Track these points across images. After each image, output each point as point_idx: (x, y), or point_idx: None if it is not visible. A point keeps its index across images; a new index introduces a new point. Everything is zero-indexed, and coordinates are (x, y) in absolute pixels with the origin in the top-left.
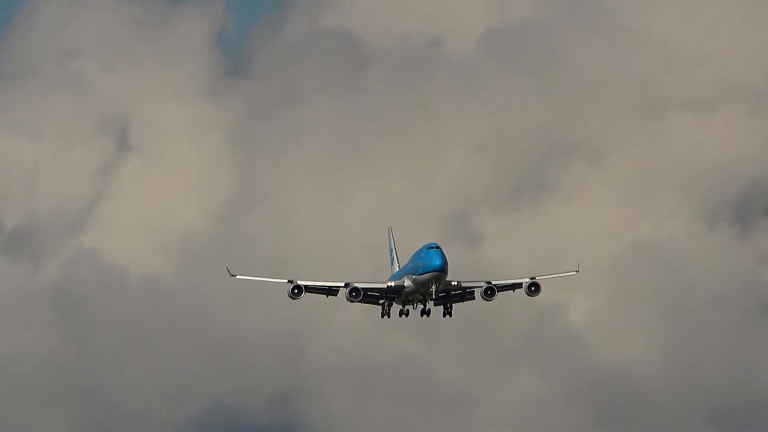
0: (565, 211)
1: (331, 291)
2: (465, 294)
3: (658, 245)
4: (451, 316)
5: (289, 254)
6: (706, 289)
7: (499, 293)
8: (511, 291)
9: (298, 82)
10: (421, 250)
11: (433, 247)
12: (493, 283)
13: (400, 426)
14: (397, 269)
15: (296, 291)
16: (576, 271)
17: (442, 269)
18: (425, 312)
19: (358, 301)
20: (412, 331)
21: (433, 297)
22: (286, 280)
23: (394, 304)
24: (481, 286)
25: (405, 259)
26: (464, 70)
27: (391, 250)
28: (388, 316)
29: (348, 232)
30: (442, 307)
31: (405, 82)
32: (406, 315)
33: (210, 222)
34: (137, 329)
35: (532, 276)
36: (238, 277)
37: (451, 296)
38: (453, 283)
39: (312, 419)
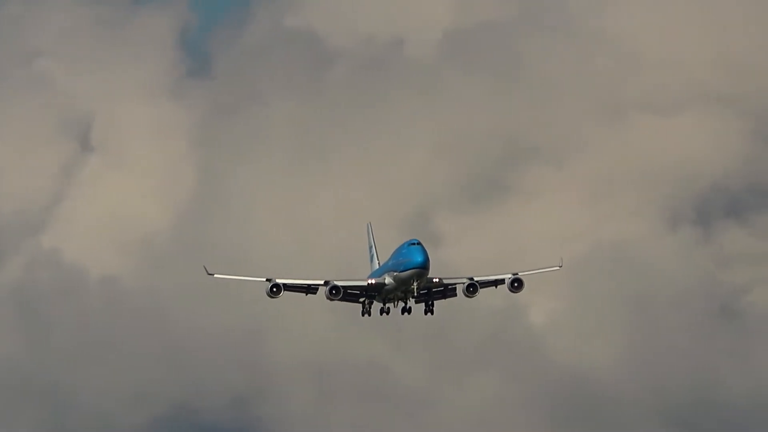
0: (526, 212)
1: (311, 289)
2: (447, 291)
3: (619, 247)
4: (432, 313)
5: (250, 254)
6: (667, 291)
7: (481, 289)
8: (494, 287)
9: (261, 82)
10: (401, 247)
11: (414, 243)
12: (476, 279)
13: (361, 427)
14: (377, 266)
15: (275, 290)
16: (559, 266)
17: (424, 266)
18: (406, 310)
19: (338, 300)
20: (373, 332)
21: (415, 294)
22: (264, 279)
23: (375, 302)
24: (464, 283)
25: (385, 256)
26: (426, 71)
27: (371, 247)
28: (369, 315)
29: (310, 232)
30: (423, 304)
31: (367, 83)
32: (387, 313)
33: (171, 223)
34: (97, 330)
35: (515, 272)
36: (215, 276)
37: (432, 293)
38: (435, 279)
39: (272, 421)
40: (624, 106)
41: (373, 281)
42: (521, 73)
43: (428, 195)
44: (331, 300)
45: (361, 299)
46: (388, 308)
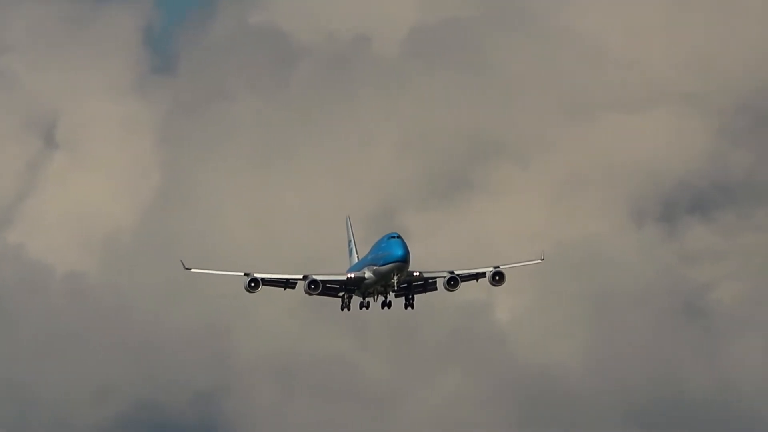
0: (492, 210)
1: (289, 284)
2: (427, 284)
3: (584, 244)
4: (413, 307)
5: (216, 251)
6: (632, 288)
7: (462, 283)
8: (475, 281)
9: (226, 79)
10: (381, 240)
11: (394, 237)
12: (456, 272)
13: (326, 424)
14: (357, 260)
15: (253, 284)
16: (541, 259)
17: (404, 259)
18: (386, 304)
19: (317, 294)
20: (337, 329)
21: (395, 288)
22: (242, 273)
23: (354, 296)
24: (444, 276)
25: (364, 249)
26: (392, 69)
27: (350, 241)
28: (348, 309)
29: (276, 228)
30: (403, 298)
31: (333, 80)
32: (367, 308)
33: (136, 219)
34: (62, 326)
35: (496, 265)
36: (192, 270)
37: (413, 287)
38: (415, 273)
39: (238, 417)
40: (589, 105)
41: (353, 275)
42: (487, 70)
43: (394, 192)
44: (310, 294)
45: (341, 294)
46: (368, 302)
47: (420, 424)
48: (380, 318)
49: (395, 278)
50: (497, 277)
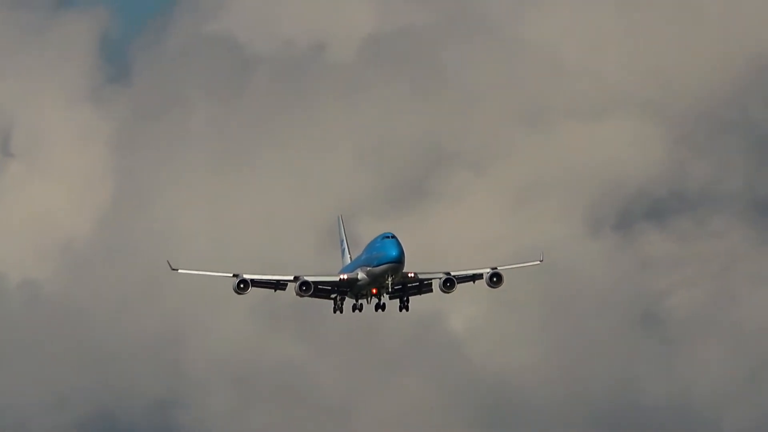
0: (448, 217)
1: (279, 285)
2: (422, 286)
3: (541, 252)
4: (407, 309)
5: (171, 259)
6: (589, 295)
7: (459, 285)
8: (472, 282)
9: (181, 88)
10: (375, 240)
11: (388, 237)
12: (453, 274)
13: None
14: (349, 261)
15: (242, 285)
16: (540, 261)
17: (399, 260)
18: (380, 306)
19: (309, 296)
20: (295, 337)
21: (389, 290)
22: (231, 274)
23: (347, 298)
24: (440, 278)
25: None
26: (348, 76)
27: (342, 241)
28: (341, 311)
29: (232, 237)
30: (398, 300)
31: (288, 88)
32: (360, 310)
33: (92, 227)
34: (16, 334)
35: (494, 266)
36: (180, 270)
37: (407, 289)
38: (410, 274)
39: (193, 426)
40: (546, 113)
41: (345, 276)
42: (444, 78)
43: (349, 200)
44: (301, 296)
45: (333, 295)
46: (361, 305)
47: None
48: (341, 324)
49: (389, 279)
50: (495, 279)
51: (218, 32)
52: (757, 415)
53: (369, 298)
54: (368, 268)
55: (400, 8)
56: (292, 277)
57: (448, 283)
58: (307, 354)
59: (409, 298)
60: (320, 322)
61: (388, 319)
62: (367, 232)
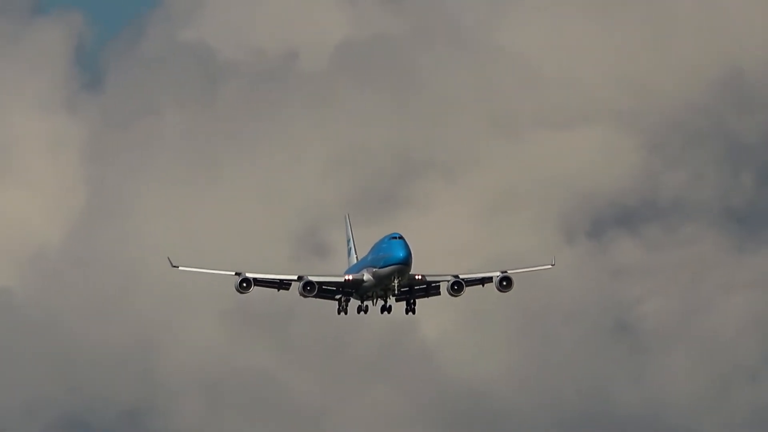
0: (421, 226)
1: (283, 285)
2: (430, 289)
3: (514, 260)
4: (414, 312)
5: (142, 267)
6: (561, 304)
7: (467, 288)
8: (481, 286)
9: (154, 95)
10: (382, 241)
11: (395, 237)
12: (461, 277)
13: None
14: (355, 261)
15: (245, 285)
16: (552, 265)
17: (406, 261)
18: (386, 308)
19: (313, 297)
20: (264, 345)
21: (396, 292)
22: (233, 273)
23: (352, 299)
24: (448, 281)
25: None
26: (320, 84)
27: (349, 240)
28: (345, 313)
29: (205, 245)
30: (404, 303)
31: (261, 96)
32: (365, 312)
33: (63, 235)
34: None
35: (504, 270)
36: (180, 268)
37: (414, 291)
38: (417, 276)
39: None
40: (519, 121)
41: (351, 277)
42: (416, 86)
43: (321, 208)
44: (305, 297)
45: (338, 296)
46: (366, 306)
47: None
48: (312, 331)
49: (396, 281)
50: (504, 283)
51: (191, 40)
52: (729, 422)
53: (374, 300)
54: (374, 269)
55: (373, 16)
56: (296, 277)
57: (456, 286)
58: (279, 361)
59: (416, 300)
60: (293, 330)
61: (363, 324)
62: (340, 240)
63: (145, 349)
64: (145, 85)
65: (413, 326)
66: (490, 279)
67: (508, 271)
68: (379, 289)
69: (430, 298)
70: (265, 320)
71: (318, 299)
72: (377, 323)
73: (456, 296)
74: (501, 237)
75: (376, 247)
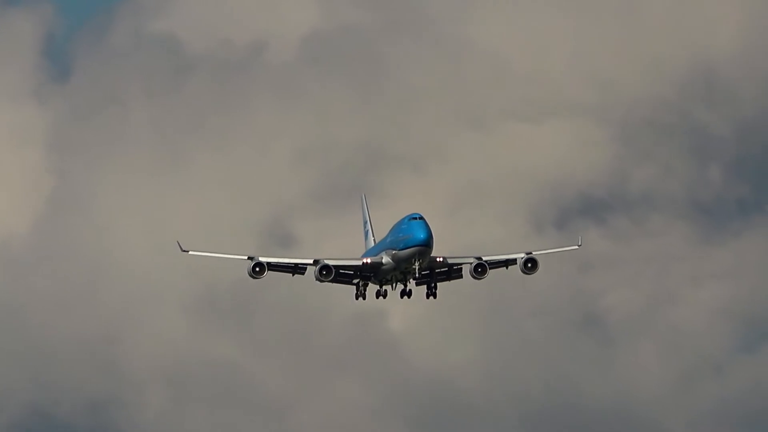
0: (388, 218)
1: (298, 269)
2: (452, 272)
3: (482, 253)
4: (435, 297)
5: (107, 260)
6: (529, 297)
7: (491, 270)
8: (505, 268)
9: (121, 86)
10: (401, 222)
11: (416, 218)
12: (485, 259)
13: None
14: (373, 243)
15: (258, 269)
16: (579, 245)
17: (427, 243)
18: (406, 293)
19: (329, 281)
20: (231, 337)
21: (416, 276)
22: (245, 257)
23: (371, 284)
24: (471, 263)
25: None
26: (288, 75)
27: (366, 222)
28: (363, 298)
29: (169, 236)
30: (425, 287)
31: (228, 87)
32: (384, 296)
33: (29, 226)
34: None
35: (529, 251)
36: (190, 252)
37: (435, 274)
38: (438, 259)
39: (130, 426)
40: (488, 114)
41: (369, 260)
42: (385, 78)
43: (288, 200)
44: (322, 281)
45: (355, 281)
46: (386, 291)
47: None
48: (283, 321)
49: (416, 264)
50: (529, 264)
51: (159, 31)
52: (696, 414)
53: (394, 284)
54: (394, 252)
55: (341, 7)
56: (311, 261)
57: (480, 269)
58: (247, 353)
59: (437, 284)
60: (261, 320)
61: (331, 315)
62: (307, 231)
63: (111, 341)
64: (112, 77)
65: (383, 318)
66: (514, 261)
67: (533, 253)
68: (399, 272)
69: (452, 281)
70: (233, 311)
71: (335, 284)
72: (346, 315)
73: (479, 279)
74: (469, 229)
75: (396, 229)
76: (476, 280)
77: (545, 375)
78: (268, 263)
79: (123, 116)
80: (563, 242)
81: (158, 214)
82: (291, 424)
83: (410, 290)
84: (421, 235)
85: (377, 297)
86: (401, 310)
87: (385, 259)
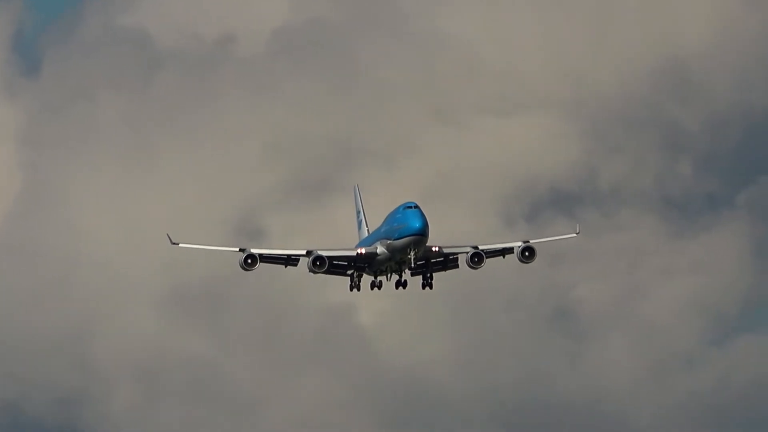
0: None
1: (291, 261)
2: (448, 261)
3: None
4: (431, 287)
5: (78, 255)
6: (499, 290)
7: (487, 260)
8: (501, 257)
9: (91, 81)
10: (396, 211)
11: (410, 207)
12: (481, 248)
13: (187, 427)
14: (367, 233)
15: (249, 261)
16: (577, 233)
17: (422, 232)
18: (401, 283)
19: (323, 272)
20: (199, 332)
21: (411, 266)
22: (236, 249)
23: (365, 274)
24: (467, 252)
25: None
26: (257, 69)
27: (359, 212)
28: (358, 289)
29: (139, 230)
30: (420, 277)
31: (197, 81)
32: (379, 287)
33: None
34: None
35: (526, 239)
36: (180, 245)
37: (431, 264)
38: (434, 248)
39: (99, 421)
40: (458, 109)
41: (363, 251)
42: (355, 72)
43: (258, 194)
44: (315, 273)
45: (350, 272)
46: (380, 282)
47: (285, 427)
48: (250, 316)
49: (412, 254)
50: (527, 253)
51: (128, 26)
52: (666, 408)
53: (389, 275)
54: (388, 242)
55: (311, 0)
56: (304, 252)
57: (476, 258)
58: (215, 348)
59: (433, 274)
60: (230, 316)
61: (299, 309)
62: (277, 226)
63: (82, 336)
64: (82, 71)
65: (352, 311)
66: (510, 250)
67: (531, 241)
68: (394, 262)
69: (447, 271)
70: (204, 306)
71: (328, 275)
72: (314, 310)
73: (476, 269)
74: (439, 222)
75: (390, 218)
76: (473, 270)
77: (516, 369)
78: (260, 255)
79: (93, 111)
80: (533, 235)
81: (129, 209)
82: (268, 419)
83: (405, 281)
84: (417, 224)
85: (372, 288)
86: (369, 305)
87: (380, 249)
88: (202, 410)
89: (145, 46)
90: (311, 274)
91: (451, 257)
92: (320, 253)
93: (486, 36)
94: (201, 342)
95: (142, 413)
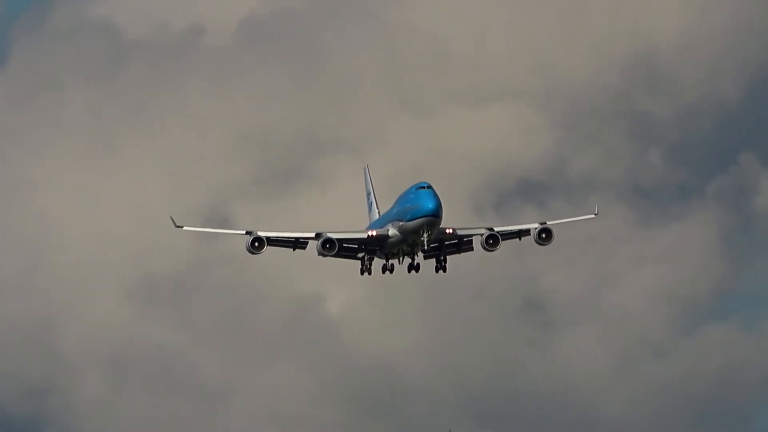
0: (326, 203)
1: (299, 244)
2: (462, 244)
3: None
4: (445, 270)
5: (42, 247)
6: (470, 281)
7: (503, 242)
8: (518, 239)
9: (58, 71)
10: (408, 192)
11: (423, 187)
12: (496, 229)
13: (157, 417)
14: (378, 215)
15: (257, 244)
16: (595, 214)
17: (436, 213)
18: (414, 267)
19: (332, 255)
20: (169, 321)
21: (424, 248)
22: (243, 232)
23: (376, 258)
24: (482, 234)
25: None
26: (225, 60)
27: (369, 193)
28: (369, 273)
29: (105, 222)
30: (434, 260)
31: (165, 71)
32: (391, 271)
33: None
34: None
35: (543, 221)
36: (185, 228)
37: (445, 247)
38: (448, 230)
39: (68, 413)
40: (427, 99)
41: (374, 233)
42: (323, 62)
43: (226, 184)
44: (324, 256)
45: (360, 255)
46: (392, 265)
47: (255, 417)
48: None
49: (425, 236)
50: (544, 235)
51: (96, 16)
52: (636, 397)
53: (401, 258)
54: (400, 223)
55: None
56: (313, 234)
57: (492, 240)
58: (185, 337)
59: (447, 257)
60: (200, 305)
61: (271, 299)
62: (245, 216)
63: (48, 327)
64: (50, 62)
65: (322, 301)
66: (527, 232)
67: (548, 223)
68: (406, 245)
69: (462, 254)
70: (172, 296)
71: (338, 258)
72: (286, 298)
73: (491, 251)
74: None
75: (402, 199)
76: (488, 252)
77: (485, 360)
78: (268, 238)
79: (61, 101)
80: (503, 224)
81: (97, 198)
82: (229, 408)
83: (418, 264)
84: (430, 205)
85: (383, 272)
86: (341, 295)
87: (392, 231)
88: (171, 400)
89: (113, 36)
90: (320, 257)
91: (465, 239)
92: (330, 235)
93: (455, 26)
94: (169, 331)
95: (110, 403)
